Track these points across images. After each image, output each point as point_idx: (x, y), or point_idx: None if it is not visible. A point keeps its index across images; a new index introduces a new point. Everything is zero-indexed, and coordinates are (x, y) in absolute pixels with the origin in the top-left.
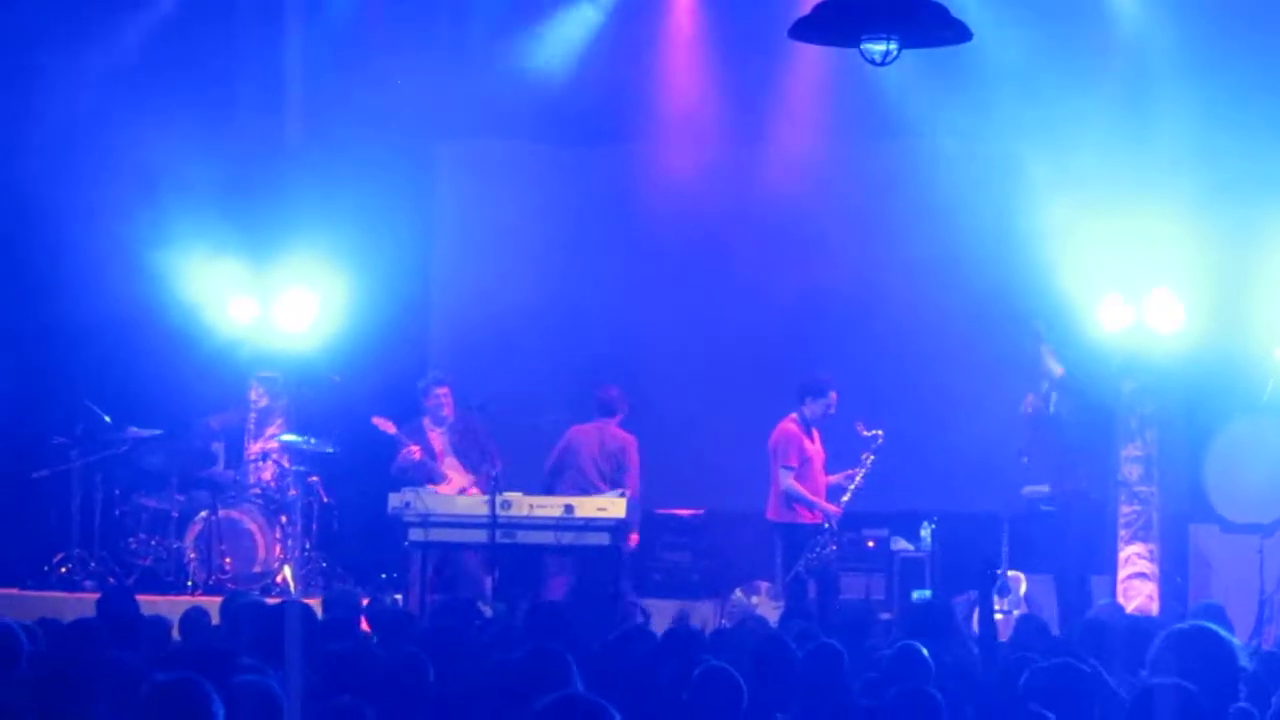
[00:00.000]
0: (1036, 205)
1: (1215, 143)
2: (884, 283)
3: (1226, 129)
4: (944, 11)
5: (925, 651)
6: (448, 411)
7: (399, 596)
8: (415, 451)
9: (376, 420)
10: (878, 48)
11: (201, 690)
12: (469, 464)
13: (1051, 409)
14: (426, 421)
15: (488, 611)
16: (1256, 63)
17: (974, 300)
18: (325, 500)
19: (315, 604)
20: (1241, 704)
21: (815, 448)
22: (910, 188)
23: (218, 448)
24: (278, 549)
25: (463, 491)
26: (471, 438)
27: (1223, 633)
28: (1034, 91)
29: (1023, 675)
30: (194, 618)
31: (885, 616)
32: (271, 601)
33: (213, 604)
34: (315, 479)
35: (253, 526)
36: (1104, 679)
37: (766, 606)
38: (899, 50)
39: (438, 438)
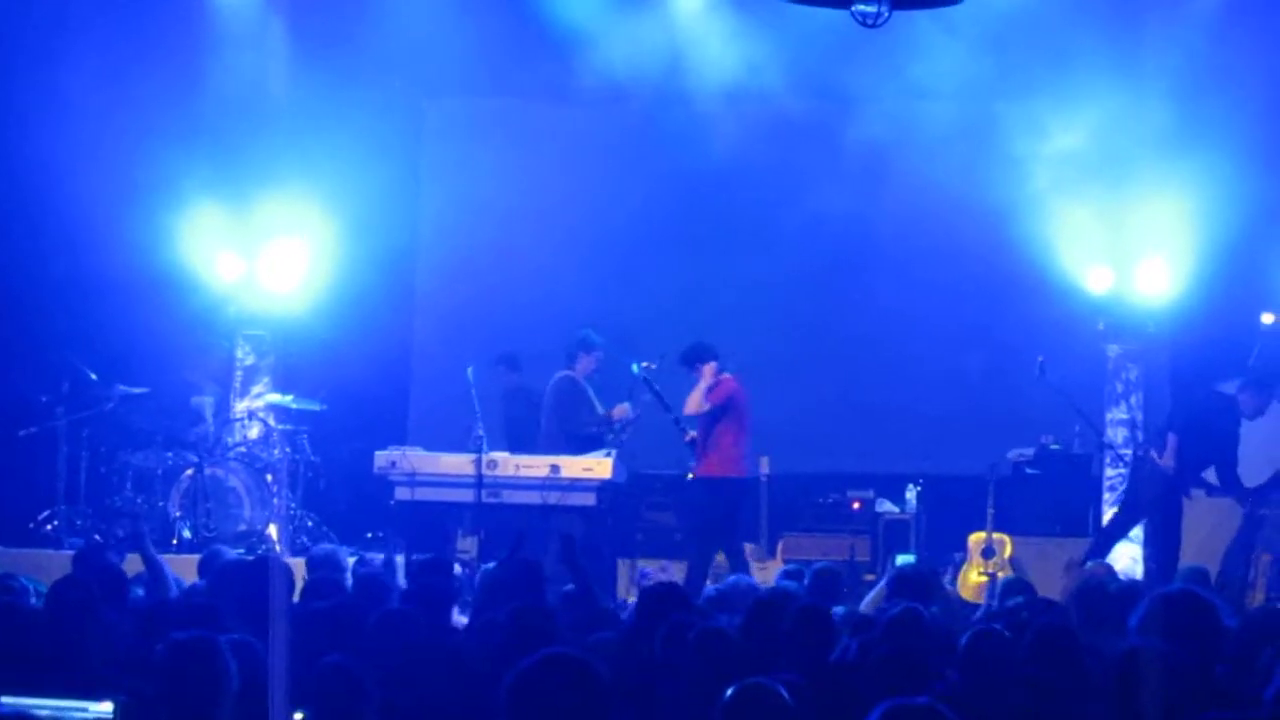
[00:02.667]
0: (1025, 169)
1: (1204, 110)
2: (871, 246)
3: (1216, 96)
4: None
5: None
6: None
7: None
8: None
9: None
10: (869, 10)
11: (216, 648)
12: None
13: None
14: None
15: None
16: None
17: (961, 264)
18: (311, 458)
19: (300, 563)
20: (1226, 663)
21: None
22: (898, 151)
23: (201, 401)
24: (263, 508)
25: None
26: None
27: (1207, 596)
28: (1023, 53)
29: (1009, 637)
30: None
31: (869, 578)
32: (235, 555)
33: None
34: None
35: (238, 485)
36: (1091, 641)
37: (752, 567)
38: (889, 13)
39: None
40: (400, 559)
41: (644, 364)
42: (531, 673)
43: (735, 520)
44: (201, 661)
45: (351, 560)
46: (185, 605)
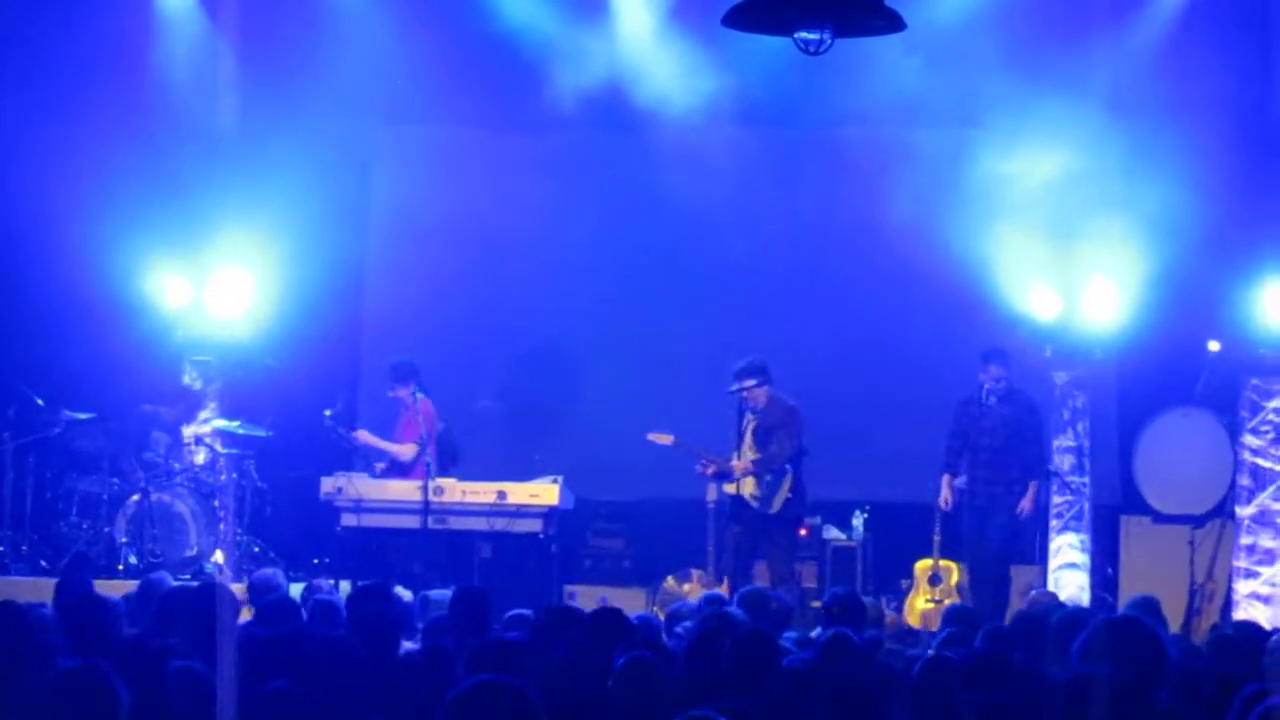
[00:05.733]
0: (971, 196)
1: (1151, 137)
2: (816, 272)
3: (1162, 123)
4: (878, 1)
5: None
6: (755, 402)
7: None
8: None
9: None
10: (812, 37)
11: (105, 677)
12: (760, 446)
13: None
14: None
15: (406, 595)
16: (1192, 62)
17: (907, 290)
18: (258, 484)
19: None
20: (1169, 690)
21: None
22: (844, 178)
23: (159, 436)
24: (210, 533)
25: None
26: (776, 424)
27: (1151, 623)
28: (970, 80)
29: (950, 665)
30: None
31: (816, 604)
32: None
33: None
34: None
35: (185, 510)
36: (1032, 668)
37: (699, 594)
38: (832, 40)
39: (747, 422)
40: (346, 585)
41: (328, 412)
42: (465, 699)
43: None
44: (91, 692)
45: (298, 588)
46: (130, 634)
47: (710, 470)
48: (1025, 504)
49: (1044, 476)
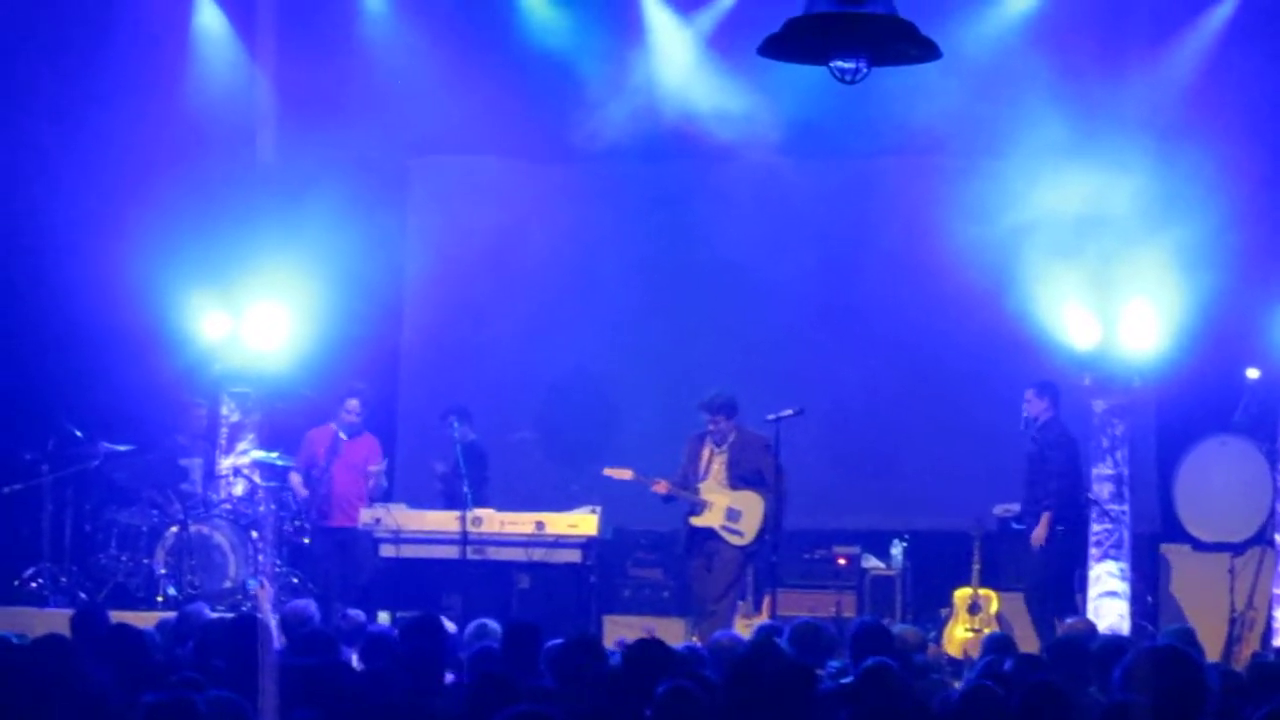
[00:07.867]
0: (1009, 224)
1: (1189, 165)
2: (854, 301)
3: (1199, 151)
4: (913, 29)
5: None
6: (724, 436)
7: None
8: (661, 486)
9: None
10: (847, 66)
11: (193, 709)
12: (738, 481)
13: None
14: (706, 440)
15: (452, 627)
16: (1228, 89)
17: (946, 318)
18: (296, 515)
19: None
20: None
21: None
22: (880, 205)
23: (188, 464)
24: (248, 565)
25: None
26: (750, 456)
27: (1192, 652)
28: (1008, 108)
29: (990, 693)
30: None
31: None
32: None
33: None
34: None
35: (223, 542)
36: (1075, 696)
37: (740, 624)
38: (868, 69)
39: (711, 456)
40: (386, 616)
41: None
42: None
43: None
44: None
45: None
46: (168, 664)
47: (664, 489)
48: (1037, 533)
49: (1071, 508)
